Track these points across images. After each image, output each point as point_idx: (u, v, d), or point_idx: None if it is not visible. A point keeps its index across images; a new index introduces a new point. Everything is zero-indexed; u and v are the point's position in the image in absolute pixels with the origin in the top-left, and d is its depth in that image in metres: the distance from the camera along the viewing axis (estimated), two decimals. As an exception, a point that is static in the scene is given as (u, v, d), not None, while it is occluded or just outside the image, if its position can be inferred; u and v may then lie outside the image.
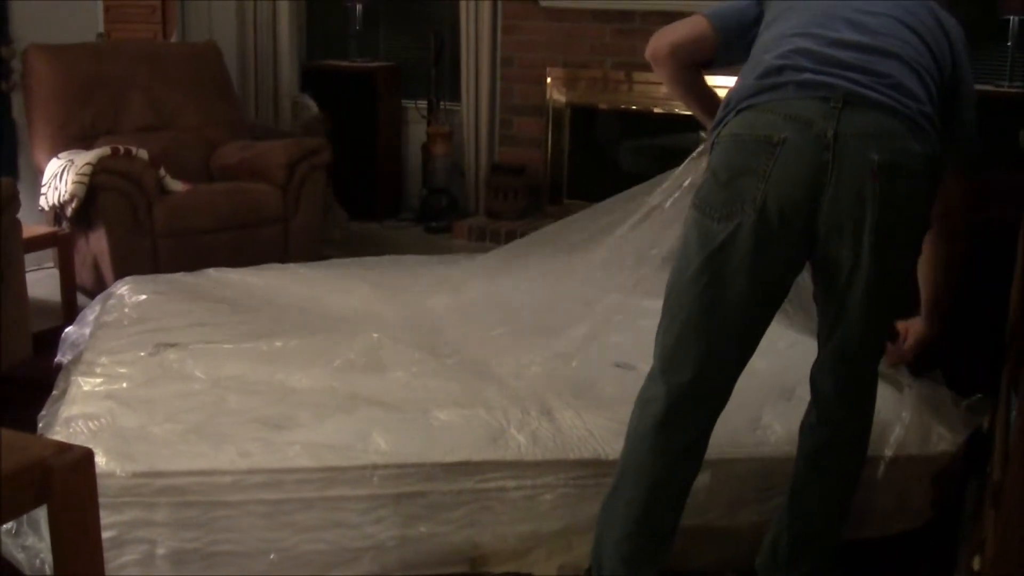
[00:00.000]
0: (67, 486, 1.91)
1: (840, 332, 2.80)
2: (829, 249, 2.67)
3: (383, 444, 3.22)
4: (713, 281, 2.71)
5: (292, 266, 5.12)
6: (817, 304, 2.89)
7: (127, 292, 4.55)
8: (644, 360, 3.02)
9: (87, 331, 4.26)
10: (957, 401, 3.65)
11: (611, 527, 2.92)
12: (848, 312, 2.75)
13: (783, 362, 3.84)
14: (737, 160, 2.66)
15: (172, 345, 3.84)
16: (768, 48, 2.79)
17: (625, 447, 2.93)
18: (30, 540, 3.01)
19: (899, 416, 3.48)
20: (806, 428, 3.05)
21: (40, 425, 3.47)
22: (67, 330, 4.43)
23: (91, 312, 4.48)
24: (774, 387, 3.62)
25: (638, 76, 7.06)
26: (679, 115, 7.05)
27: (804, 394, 3.53)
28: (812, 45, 2.71)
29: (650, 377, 2.90)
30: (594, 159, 7.55)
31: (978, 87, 6.01)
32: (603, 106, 7.33)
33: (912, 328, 3.33)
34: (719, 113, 2.82)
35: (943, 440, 3.47)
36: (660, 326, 2.87)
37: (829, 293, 2.78)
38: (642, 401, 2.90)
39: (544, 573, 3.17)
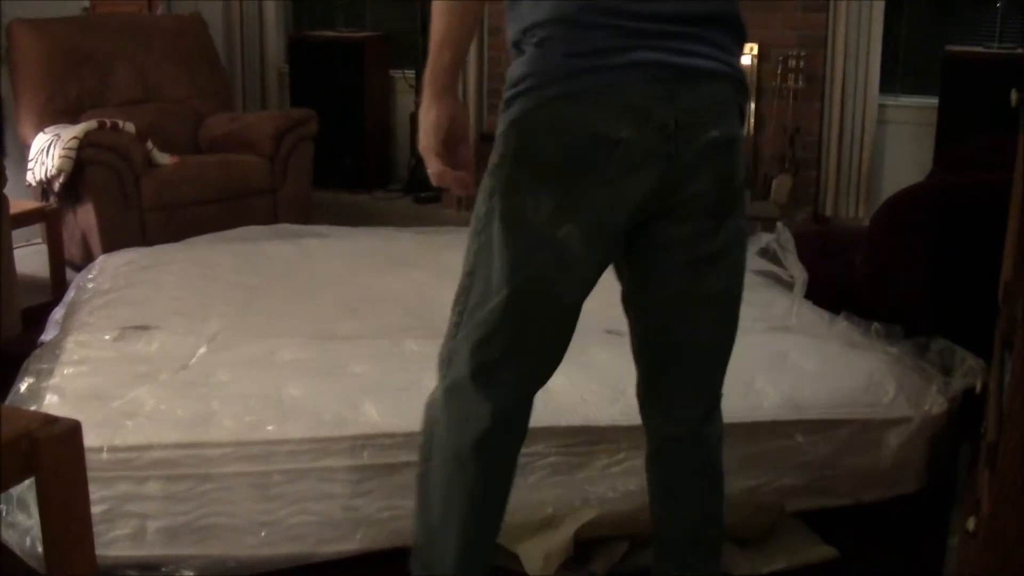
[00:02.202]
0: (54, 458, 1.90)
1: (686, 334, 2.47)
2: (669, 241, 2.36)
3: (374, 414, 3.21)
4: (541, 297, 2.33)
5: (279, 230, 5.12)
6: (637, 309, 2.50)
7: (109, 267, 4.55)
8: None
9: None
10: (963, 359, 3.65)
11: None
12: (693, 312, 2.43)
13: (777, 325, 3.85)
14: (567, 158, 2.23)
15: (141, 328, 3.83)
16: (571, 12, 2.22)
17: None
18: (19, 519, 3.01)
19: (892, 380, 3.48)
20: (651, 465, 2.68)
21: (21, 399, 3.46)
22: (55, 310, 4.44)
23: (72, 290, 4.49)
24: (767, 352, 3.62)
25: (626, 43, 7.03)
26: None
27: (798, 358, 3.54)
28: (625, 8, 2.21)
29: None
30: (583, 127, 7.52)
31: (968, 48, 6.06)
32: (592, 73, 7.30)
33: None
34: (515, 88, 2.27)
35: (937, 403, 3.47)
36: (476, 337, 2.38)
37: (666, 290, 2.42)
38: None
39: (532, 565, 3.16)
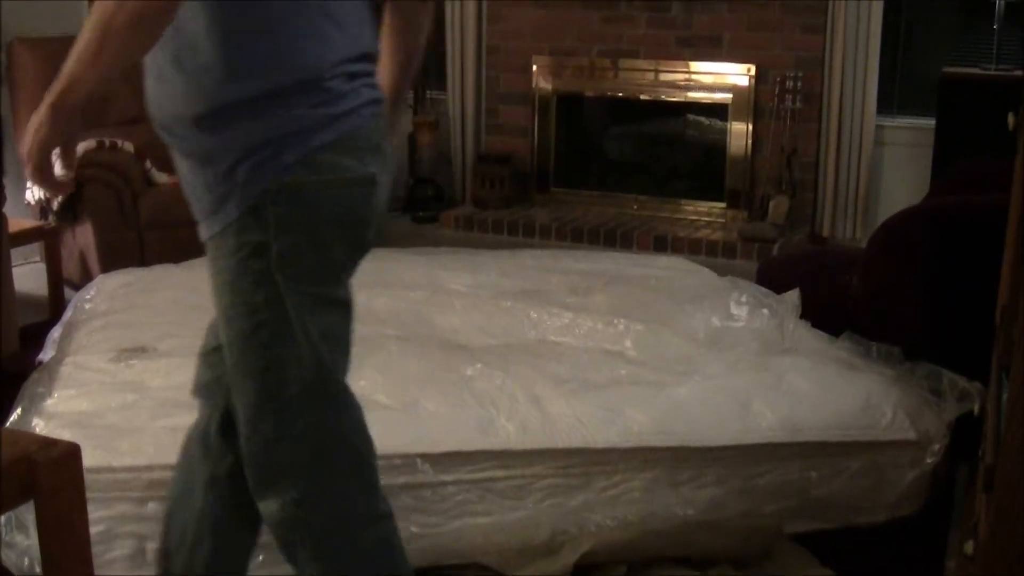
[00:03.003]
0: (53, 480, 1.90)
1: None
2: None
3: (372, 435, 3.20)
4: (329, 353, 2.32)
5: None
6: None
7: (106, 288, 4.56)
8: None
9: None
10: (953, 383, 3.65)
11: None
12: None
13: (774, 347, 3.85)
14: (342, 212, 2.23)
15: (138, 350, 3.83)
16: (309, 49, 2.17)
17: None
18: (18, 539, 3.00)
19: (891, 402, 3.48)
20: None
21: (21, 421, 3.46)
22: (53, 329, 4.44)
23: (71, 309, 4.49)
24: (764, 374, 3.62)
25: (624, 63, 7.05)
26: (665, 102, 7.05)
27: (795, 380, 3.54)
28: (347, 45, 2.22)
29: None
30: (581, 147, 7.55)
31: (965, 70, 6.08)
32: (589, 94, 7.32)
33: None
34: (256, 154, 2.15)
35: (935, 425, 3.47)
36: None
37: None
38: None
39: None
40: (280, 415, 2.27)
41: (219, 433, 2.50)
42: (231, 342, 2.27)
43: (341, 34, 2.20)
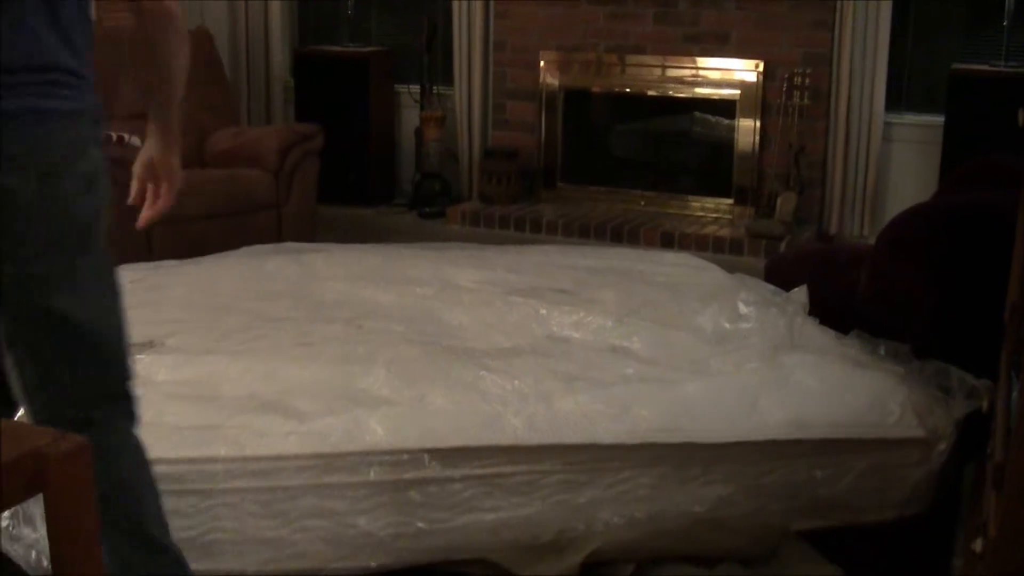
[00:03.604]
0: (63, 475, 1.89)
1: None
2: None
3: (380, 431, 3.20)
4: None
5: (283, 247, 5.11)
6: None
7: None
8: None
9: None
10: (962, 380, 3.64)
11: None
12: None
13: (781, 344, 3.84)
14: None
15: (146, 344, 3.83)
16: None
17: None
18: (25, 532, 3.00)
19: (898, 400, 3.48)
20: None
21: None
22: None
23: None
24: (771, 371, 3.61)
25: (631, 59, 7.06)
26: (672, 98, 7.05)
27: (803, 377, 3.53)
28: None
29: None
30: (587, 143, 7.55)
31: (975, 67, 6.09)
32: (596, 90, 7.33)
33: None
34: None
35: (943, 423, 3.46)
36: None
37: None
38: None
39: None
40: None
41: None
42: None
43: None
